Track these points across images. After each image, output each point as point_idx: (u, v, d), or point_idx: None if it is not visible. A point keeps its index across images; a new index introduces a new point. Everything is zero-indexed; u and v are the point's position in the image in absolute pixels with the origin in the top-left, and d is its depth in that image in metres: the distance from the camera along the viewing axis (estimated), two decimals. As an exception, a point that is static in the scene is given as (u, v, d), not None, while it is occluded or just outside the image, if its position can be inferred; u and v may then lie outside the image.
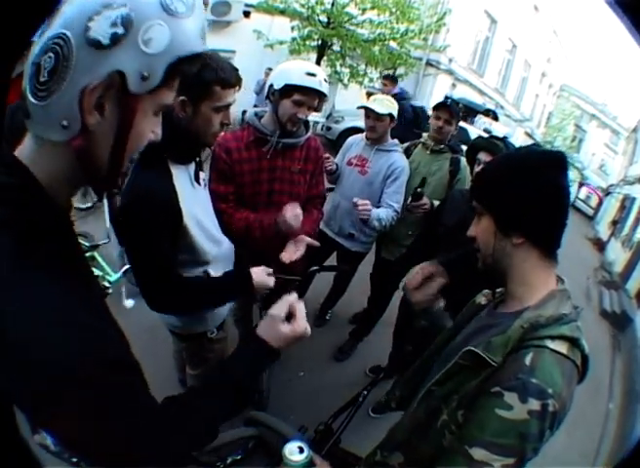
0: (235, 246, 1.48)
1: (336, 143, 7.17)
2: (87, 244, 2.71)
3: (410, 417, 0.92)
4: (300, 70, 1.51)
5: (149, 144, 1.12)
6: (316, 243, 1.69)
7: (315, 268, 1.84)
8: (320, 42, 8.98)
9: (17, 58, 0.50)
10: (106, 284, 2.66)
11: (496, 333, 0.76)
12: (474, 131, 7.32)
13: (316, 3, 8.60)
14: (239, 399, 0.72)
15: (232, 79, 1.14)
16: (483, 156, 1.69)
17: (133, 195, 1.08)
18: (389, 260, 2.49)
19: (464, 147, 2.08)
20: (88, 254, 2.69)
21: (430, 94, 12.28)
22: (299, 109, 1.56)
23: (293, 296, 0.82)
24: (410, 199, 2.05)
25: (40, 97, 0.49)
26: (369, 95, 6.95)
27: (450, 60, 12.56)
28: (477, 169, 1.72)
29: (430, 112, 2.36)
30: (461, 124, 3.23)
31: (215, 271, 1.32)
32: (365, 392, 1.27)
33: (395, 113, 2.19)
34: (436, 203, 2.05)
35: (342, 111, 8.73)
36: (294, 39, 8.81)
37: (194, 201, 1.21)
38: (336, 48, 9.22)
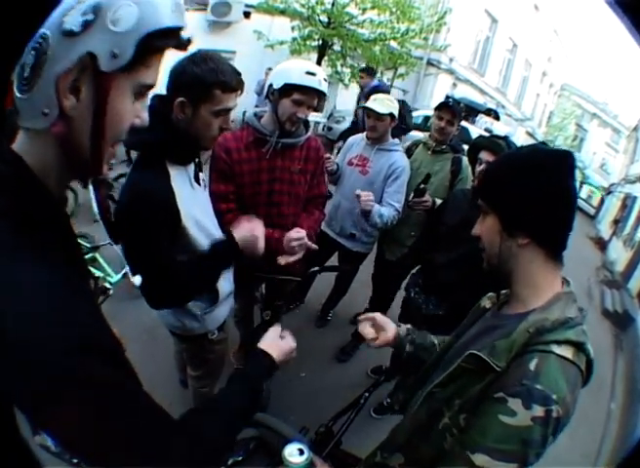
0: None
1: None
2: (88, 245, 2.71)
3: (411, 419, 0.91)
4: (300, 69, 1.51)
5: (147, 145, 1.13)
6: (314, 246, 1.68)
7: (316, 269, 1.84)
8: (321, 42, 8.97)
9: (17, 59, 0.52)
10: (107, 285, 2.67)
11: (500, 336, 0.75)
12: (475, 130, 7.29)
13: (316, 3, 8.59)
14: (251, 402, 0.80)
15: (233, 83, 1.12)
16: (485, 155, 1.69)
17: (130, 195, 1.09)
18: (391, 261, 2.48)
19: (466, 147, 2.08)
20: (89, 256, 2.70)
21: (431, 93, 12.30)
22: (298, 109, 1.56)
23: (278, 327, 1.00)
24: (412, 194, 2.04)
25: (24, 91, 0.52)
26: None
27: (451, 60, 12.56)
28: (479, 168, 1.71)
29: (427, 111, 2.35)
30: (463, 123, 3.22)
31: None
32: (367, 394, 1.27)
33: (396, 112, 2.18)
34: (438, 201, 2.04)
35: (343, 111, 8.74)
36: (294, 39, 8.80)
37: (193, 201, 1.21)
38: (336, 48, 9.21)
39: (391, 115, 2.16)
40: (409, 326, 1.15)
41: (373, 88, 5.01)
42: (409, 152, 2.39)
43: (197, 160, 1.28)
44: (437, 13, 9.68)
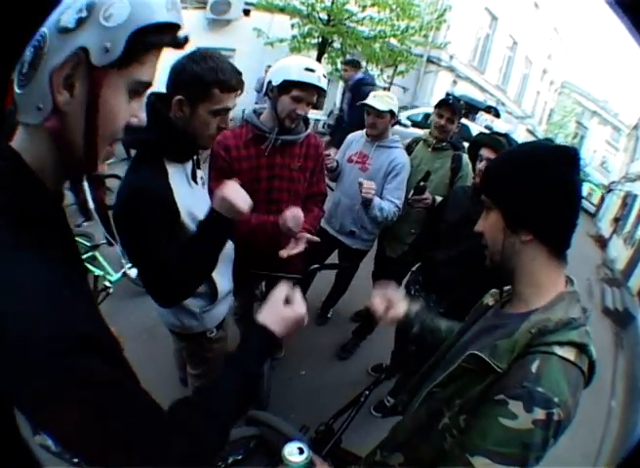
0: (235, 244, 1.48)
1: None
2: (88, 244, 2.71)
3: (411, 418, 0.91)
4: (299, 66, 1.50)
5: (145, 143, 1.12)
6: (316, 238, 1.68)
7: (316, 266, 1.84)
8: (320, 39, 8.94)
9: (17, 59, 0.52)
10: (107, 283, 2.67)
11: (501, 336, 0.74)
12: (476, 128, 7.29)
13: (316, 1, 8.55)
14: (248, 389, 0.73)
15: (233, 82, 1.11)
16: (486, 152, 1.68)
17: (128, 192, 1.08)
18: (392, 258, 2.48)
19: (466, 144, 2.08)
20: (89, 254, 2.69)
21: (431, 91, 12.27)
22: (297, 105, 1.55)
23: (288, 284, 0.85)
24: (412, 192, 2.04)
25: (22, 87, 0.53)
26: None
27: (451, 57, 12.52)
28: (479, 165, 1.71)
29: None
30: (463, 121, 3.22)
31: (215, 270, 1.30)
32: (367, 392, 1.27)
33: (396, 110, 2.18)
34: (439, 199, 2.04)
35: (343, 109, 8.70)
36: (294, 37, 8.76)
37: (192, 199, 1.20)
38: (336, 45, 9.17)
39: (391, 112, 2.15)
40: (420, 305, 1.15)
41: (357, 81, 4.92)
42: (409, 149, 2.39)
43: (195, 158, 1.27)
44: (437, 10, 9.62)
